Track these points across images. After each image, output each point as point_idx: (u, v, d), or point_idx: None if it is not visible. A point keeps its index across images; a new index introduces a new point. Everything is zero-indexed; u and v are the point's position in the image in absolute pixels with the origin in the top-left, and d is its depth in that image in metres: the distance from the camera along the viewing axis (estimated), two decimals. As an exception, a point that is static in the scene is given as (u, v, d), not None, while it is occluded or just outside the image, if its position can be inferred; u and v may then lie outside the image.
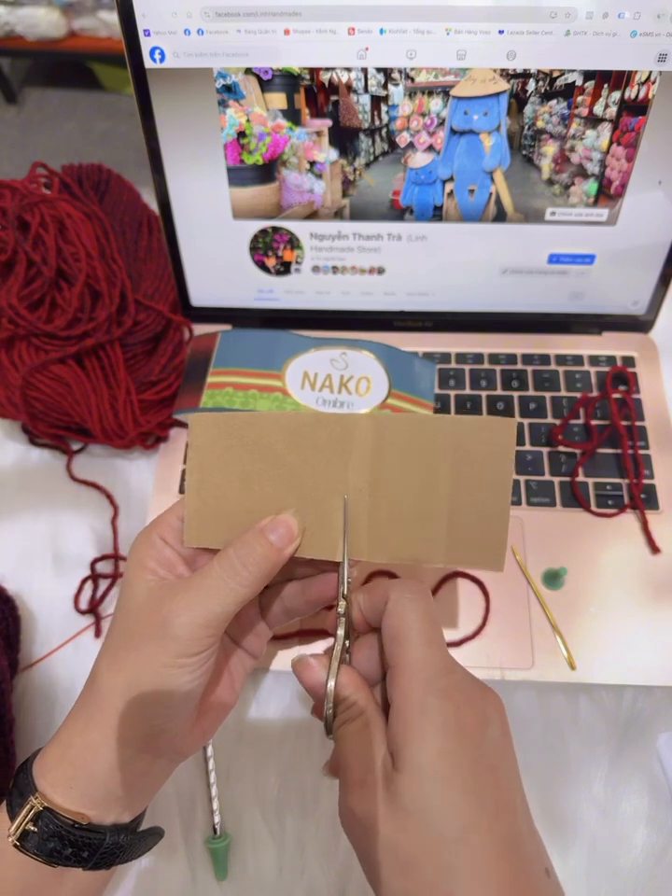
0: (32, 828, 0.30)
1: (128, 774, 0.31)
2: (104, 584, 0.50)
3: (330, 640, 0.35)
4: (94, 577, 0.50)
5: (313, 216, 0.51)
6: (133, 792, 0.32)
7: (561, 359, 0.56)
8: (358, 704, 0.30)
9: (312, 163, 0.49)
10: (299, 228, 0.52)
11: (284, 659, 0.45)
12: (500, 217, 0.51)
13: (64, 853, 0.30)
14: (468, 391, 0.55)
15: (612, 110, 0.45)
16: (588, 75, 0.44)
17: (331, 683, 0.31)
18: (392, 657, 0.30)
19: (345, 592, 0.33)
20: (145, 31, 0.43)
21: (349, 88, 0.45)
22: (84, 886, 0.33)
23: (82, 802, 0.31)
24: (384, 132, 0.47)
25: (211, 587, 0.31)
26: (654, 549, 0.48)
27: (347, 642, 0.33)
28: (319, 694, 0.32)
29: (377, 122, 0.47)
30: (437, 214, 0.51)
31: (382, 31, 0.43)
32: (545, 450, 0.52)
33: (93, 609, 0.49)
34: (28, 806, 0.30)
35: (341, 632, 0.32)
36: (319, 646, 0.46)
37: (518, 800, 0.28)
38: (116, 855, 0.32)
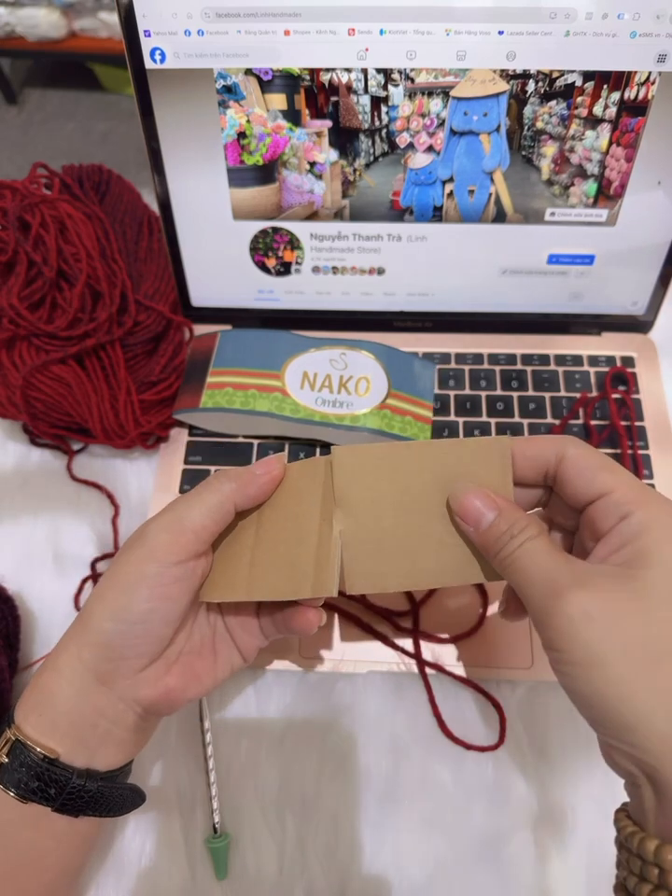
0: (5, 759, 0.31)
1: (87, 707, 0.32)
2: (104, 584, 0.50)
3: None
4: (95, 577, 0.50)
5: (313, 216, 0.52)
6: (98, 734, 0.33)
7: (561, 360, 0.56)
8: (533, 522, 0.31)
9: (312, 164, 0.49)
10: (299, 228, 0.52)
11: (284, 659, 0.45)
12: (500, 217, 0.51)
13: (31, 786, 0.31)
14: (467, 391, 0.55)
15: (612, 111, 0.45)
16: (588, 75, 0.44)
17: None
18: (602, 485, 0.30)
19: None
20: (145, 31, 0.43)
21: (349, 88, 0.45)
22: (63, 839, 0.33)
23: (51, 733, 0.32)
24: (383, 132, 0.47)
25: (186, 498, 0.33)
26: None
27: None
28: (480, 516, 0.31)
29: (377, 123, 0.47)
30: (437, 214, 0.51)
31: (382, 31, 0.43)
32: (545, 450, 0.52)
33: (94, 608, 0.49)
34: (3, 738, 0.32)
35: None
36: (377, 648, 0.46)
37: None
38: (85, 801, 0.32)
